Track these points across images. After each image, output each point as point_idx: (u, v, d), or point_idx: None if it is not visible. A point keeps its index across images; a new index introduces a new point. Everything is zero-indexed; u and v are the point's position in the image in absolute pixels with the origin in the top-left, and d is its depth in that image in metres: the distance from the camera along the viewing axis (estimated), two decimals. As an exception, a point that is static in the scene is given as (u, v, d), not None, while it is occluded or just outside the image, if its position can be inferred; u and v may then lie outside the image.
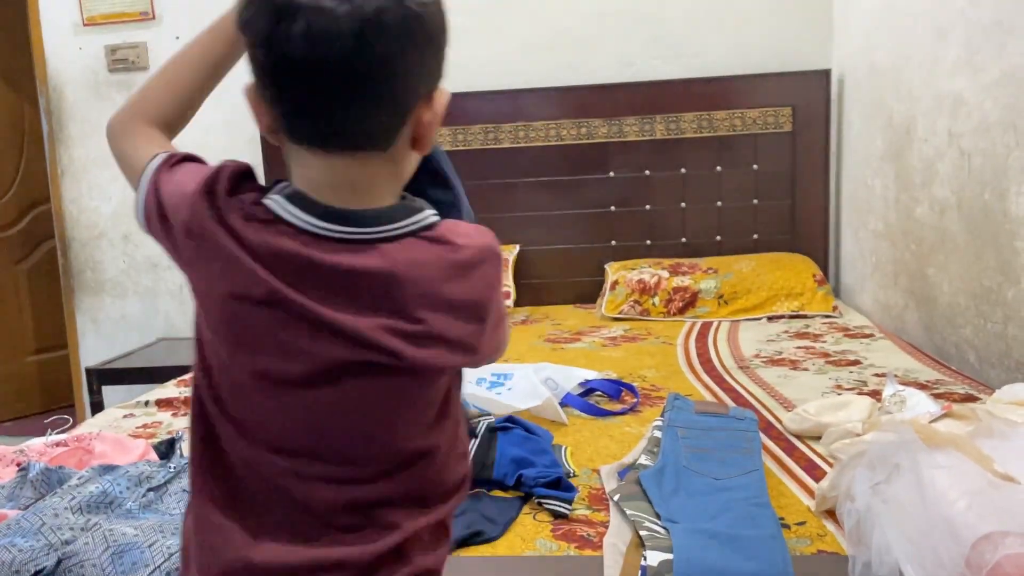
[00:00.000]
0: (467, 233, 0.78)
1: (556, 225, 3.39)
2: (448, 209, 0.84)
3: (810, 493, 1.37)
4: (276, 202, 0.73)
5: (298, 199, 0.73)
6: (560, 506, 1.34)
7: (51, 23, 3.55)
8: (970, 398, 1.82)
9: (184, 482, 1.41)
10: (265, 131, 0.76)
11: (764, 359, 2.35)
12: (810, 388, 2.01)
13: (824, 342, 2.53)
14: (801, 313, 2.90)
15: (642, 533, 1.22)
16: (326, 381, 0.74)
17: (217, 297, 0.74)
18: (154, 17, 3.49)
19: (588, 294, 3.35)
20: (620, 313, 3.04)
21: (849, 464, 1.25)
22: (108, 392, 3.11)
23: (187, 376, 2.30)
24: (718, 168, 3.29)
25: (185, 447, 1.38)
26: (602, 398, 1.99)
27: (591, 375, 2.05)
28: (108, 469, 1.46)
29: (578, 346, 2.64)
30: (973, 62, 2.13)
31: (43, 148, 3.65)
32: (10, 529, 1.27)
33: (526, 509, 1.37)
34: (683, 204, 3.33)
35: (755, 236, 3.32)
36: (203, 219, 0.73)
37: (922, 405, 1.49)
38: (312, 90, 0.70)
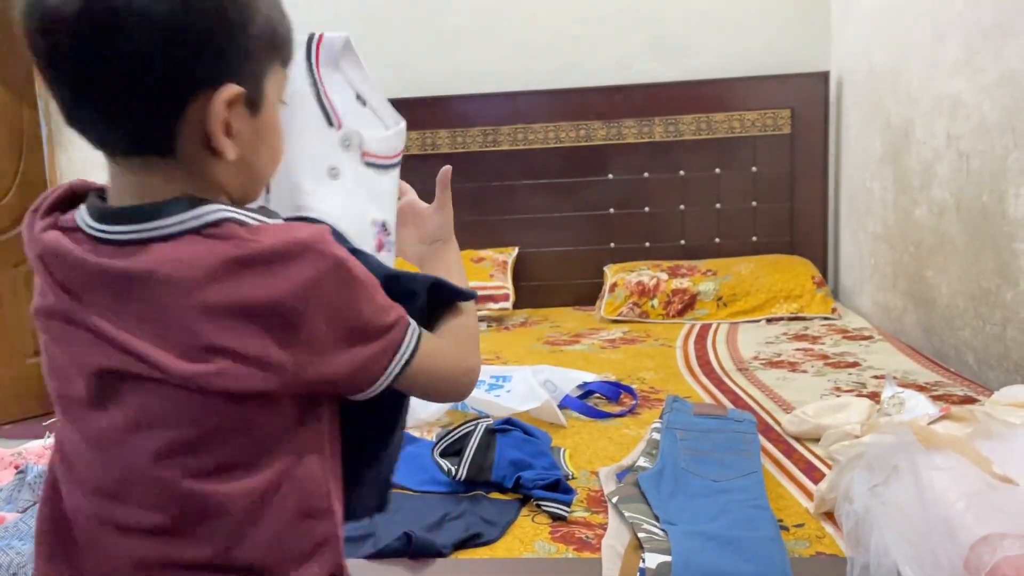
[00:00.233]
0: (269, 228, 0.70)
1: (555, 227, 3.39)
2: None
3: (809, 495, 1.37)
4: (79, 211, 0.70)
5: (94, 205, 0.69)
6: (559, 508, 1.34)
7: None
8: (969, 400, 1.82)
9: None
10: None
11: (763, 361, 2.35)
12: (809, 390, 2.01)
13: (823, 344, 2.53)
14: (800, 315, 2.90)
15: (640, 535, 1.22)
16: (109, 400, 0.68)
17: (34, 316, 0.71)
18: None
19: (587, 296, 3.35)
20: (619, 315, 3.04)
21: (848, 466, 1.25)
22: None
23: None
24: (717, 170, 3.30)
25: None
26: (601, 400, 1.99)
27: (590, 377, 2.05)
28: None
29: (577, 348, 2.64)
30: (972, 64, 2.13)
31: (42, 151, 3.64)
32: (8, 532, 1.27)
33: (524, 511, 1.37)
34: (682, 206, 3.33)
35: (754, 238, 3.32)
36: (26, 240, 0.71)
37: (921, 407, 1.49)
38: (61, 90, 0.67)
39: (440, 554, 1.22)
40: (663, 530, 1.23)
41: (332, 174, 0.91)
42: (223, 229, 0.68)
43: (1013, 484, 1.05)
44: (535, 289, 3.38)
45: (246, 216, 0.70)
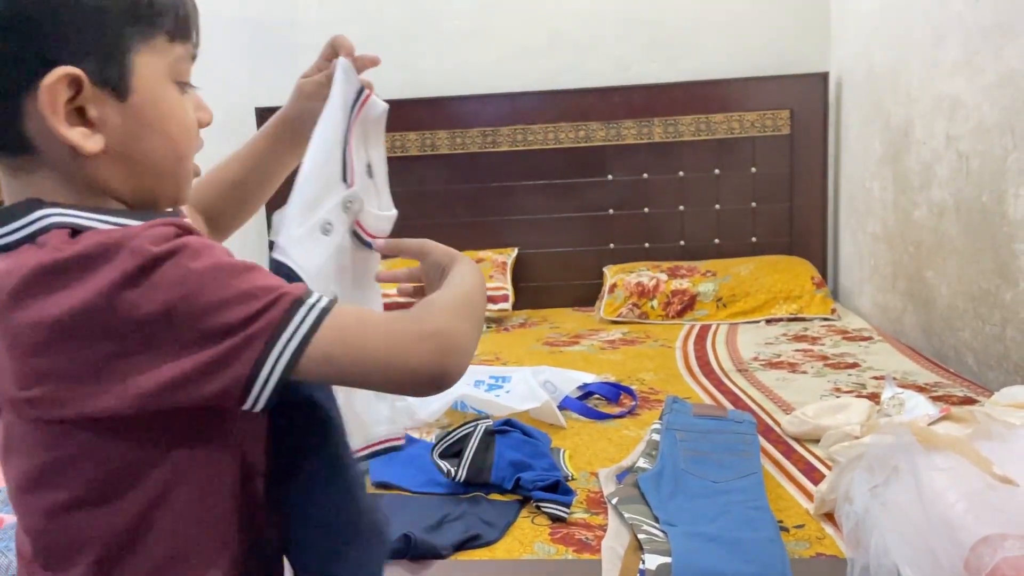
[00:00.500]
0: (100, 232, 0.62)
1: (554, 228, 3.39)
2: None
3: (809, 496, 1.37)
4: None
5: None
6: (558, 509, 1.34)
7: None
8: (968, 400, 1.82)
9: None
10: None
11: (762, 362, 2.35)
12: (808, 391, 2.01)
13: (822, 345, 2.53)
14: (799, 316, 2.90)
15: (640, 536, 1.22)
16: None
17: None
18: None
19: (586, 297, 3.34)
20: (619, 316, 3.04)
21: (848, 467, 1.25)
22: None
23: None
24: (716, 171, 3.30)
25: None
26: (600, 401, 1.99)
27: (589, 378, 2.05)
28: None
29: (576, 349, 2.64)
30: (971, 65, 2.13)
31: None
32: (6, 534, 1.27)
33: (524, 512, 1.37)
34: (681, 207, 3.33)
35: (753, 239, 3.32)
36: None
37: (921, 407, 1.49)
38: None
39: (439, 555, 1.22)
40: (663, 531, 1.23)
41: (325, 230, 0.84)
42: (49, 236, 0.62)
43: (1013, 485, 1.05)
44: (534, 290, 3.38)
45: (91, 220, 0.63)
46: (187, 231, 0.64)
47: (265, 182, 1.00)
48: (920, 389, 1.89)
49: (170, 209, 0.74)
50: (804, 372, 2.22)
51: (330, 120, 0.86)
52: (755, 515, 1.28)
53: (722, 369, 2.29)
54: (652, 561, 1.15)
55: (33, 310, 0.59)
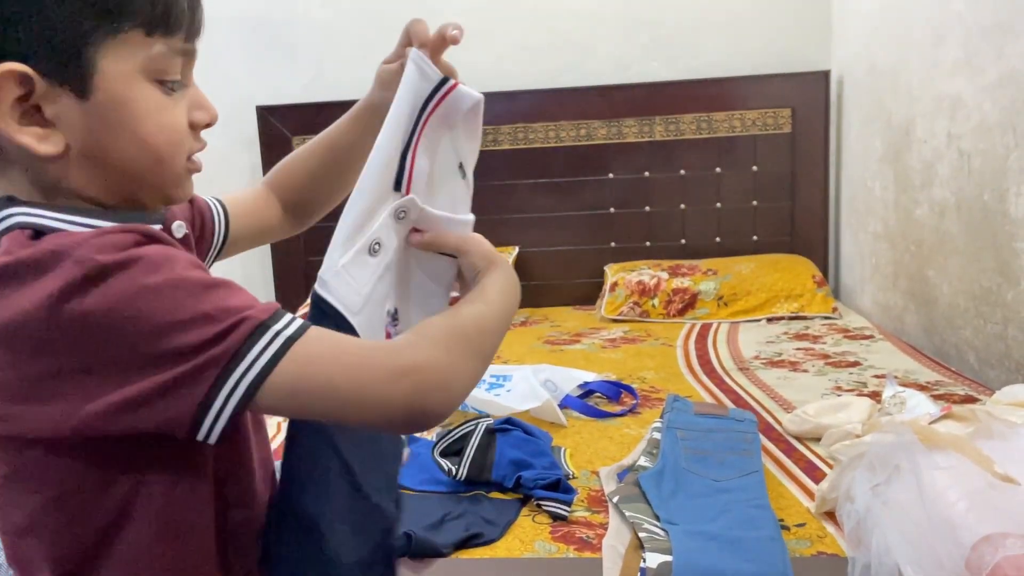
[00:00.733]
0: (58, 236, 0.59)
1: (555, 227, 3.38)
2: None
3: (810, 495, 1.37)
4: None
5: None
6: (559, 508, 1.34)
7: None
8: (970, 399, 1.81)
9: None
10: None
11: (764, 361, 2.35)
12: (810, 389, 2.01)
13: (824, 343, 2.53)
14: (801, 315, 2.90)
15: (641, 535, 1.22)
16: None
17: None
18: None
19: (587, 296, 3.34)
20: (619, 315, 3.04)
21: (849, 465, 1.25)
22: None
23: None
24: (717, 169, 3.29)
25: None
26: (601, 400, 1.99)
27: (590, 377, 2.05)
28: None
29: (577, 348, 2.64)
30: (972, 64, 2.13)
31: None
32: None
33: (525, 511, 1.36)
34: (683, 206, 3.33)
35: (754, 237, 3.32)
36: None
37: (922, 406, 1.49)
38: None
39: (440, 554, 1.22)
40: (664, 530, 1.23)
41: (372, 250, 0.76)
42: (9, 237, 0.59)
43: (1014, 483, 1.05)
44: (535, 289, 3.38)
45: (59, 221, 0.60)
46: (152, 239, 0.60)
47: (344, 172, 0.93)
48: (921, 388, 1.88)
49: (163, 209, 0.71)
50: (805, 371, 2.22)
51: (392, 123, 0.77)
52: (756, 514, 1.28)
53: (723, 368, 2.29)
54: (653, 560, 1.14)
55: None
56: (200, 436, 0.57)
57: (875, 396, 1.79)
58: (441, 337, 0.65)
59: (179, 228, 0.70)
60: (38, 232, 0.60)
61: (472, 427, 1.52)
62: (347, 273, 0.74)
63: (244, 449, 0.71)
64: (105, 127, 0.60)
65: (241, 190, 0.96)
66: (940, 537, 1.01)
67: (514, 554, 1.24)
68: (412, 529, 1.23)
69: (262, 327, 0.57)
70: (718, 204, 3.32)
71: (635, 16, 3.33)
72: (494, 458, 1.45)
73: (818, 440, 1.60)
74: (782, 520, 1.28)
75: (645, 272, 3.13)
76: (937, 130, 2.34)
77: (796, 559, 1.16)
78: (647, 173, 3.32)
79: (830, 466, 1.46)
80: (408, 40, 0.82)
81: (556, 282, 3.41)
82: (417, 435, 1.70)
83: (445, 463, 1.47)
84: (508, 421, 1.57)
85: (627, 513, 1.29)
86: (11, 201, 0.61)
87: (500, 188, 3.36)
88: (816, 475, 1.45)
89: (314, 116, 3.35)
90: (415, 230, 0.81)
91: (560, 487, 1.39)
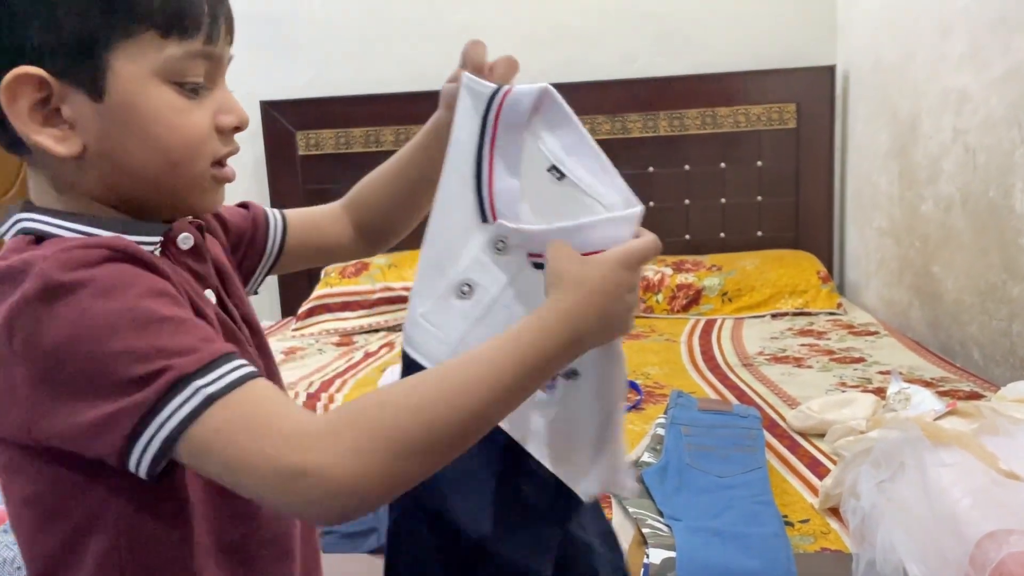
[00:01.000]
0: (50, 243, 0.59)
1: (559, 222, 3.37)
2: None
3: (814, 491, 1.37)
4: None
5: None
6: (563, 504, 1.34)
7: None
8: (975, 395, 1.81)
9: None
10: None
11: (768, 356, 2.35)
12: (814, 385, 2.00)
13: (828, 339, 2.52)
14: (805, 310, 2.89)
15: (645, 531, 1.22)
16: None
17: None
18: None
19: (591, 291, 3.34)
20: (623, 310, 3.03)
21: (853, 462, 1.25)
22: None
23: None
24: (722, 165, 3.29)
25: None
26: (605, 395, 1.98)
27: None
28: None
29: (581, 343, 2.63)
30: (978, 58, 2.12)
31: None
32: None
33: (529, 507, 1.36)
34: (687, 201, 3.32)
35: (759, 233, 3.31)
36: None
37: (927, 402, 1.48)
38: None
39: (444, 549, 1.22)
40: (667, 526, 1.23)
41: (461, 292, 0.70)
42: (10, 242, 0.60)
43: (1019, 480, 1.05)
44: (539, 284, 3.37)
45: (58, 228, 0.60)
46: (124, 256, 0.58)
47: (414, 197, 0.89)
48: (926, 384, 1.88)
49: (190, 218, 0.70)
50: (809, 367, 2.21)
51: (454, 156, 0.71)
52: (760, 510, 1.28)
53: (727, 364, 2.28)
54: (656, 555, 1.14)
55: None
56: (132, 470, 0.56)
57: (880, 392, 1.78)
58: (383, 427, 0.54)
59: (185, 240, 0.68)
60: (40, 238, 0.60)
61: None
62: (427, 322, 0.69)
63: None
64: (119, 129, 0.60)
65: (315, 207, 0.94)
66: (945, 533, 1.00)
67: (517, 550, 1.24)
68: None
69: (183, 380, 0.54)
70: (722, 199, 3.31)
71: (640, 10, 3.33)
72: (498, 454, 1.45)
73: (822, 436, 1.60)
74: (786, 516, 1.28)
75: (649, 267, 3.12)
76: (943, 125, 2.33)
77: (800, 555, 1.16)
78: (651, 168, 3.31)
79: (834, 462, 1.45)
80: (463, 62, 0.77)
81: (560, 277, 3.40)
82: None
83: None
84: (512, 417, 1.56)
85: (630, 509, 1.29)
86: (26, 206, 0.62)
87: (504, 183, 3.35)
88: (820, 471, 1.45)
89: (318, 111, 3.37)
90: (533, 255, 0.70)
91: (564, 483, 1.38)
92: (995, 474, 1.06)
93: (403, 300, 2.87)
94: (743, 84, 3.24)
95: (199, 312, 0.63)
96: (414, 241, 0.78)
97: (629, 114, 3.29)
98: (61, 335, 0.54)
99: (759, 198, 3.29)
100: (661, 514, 1.27)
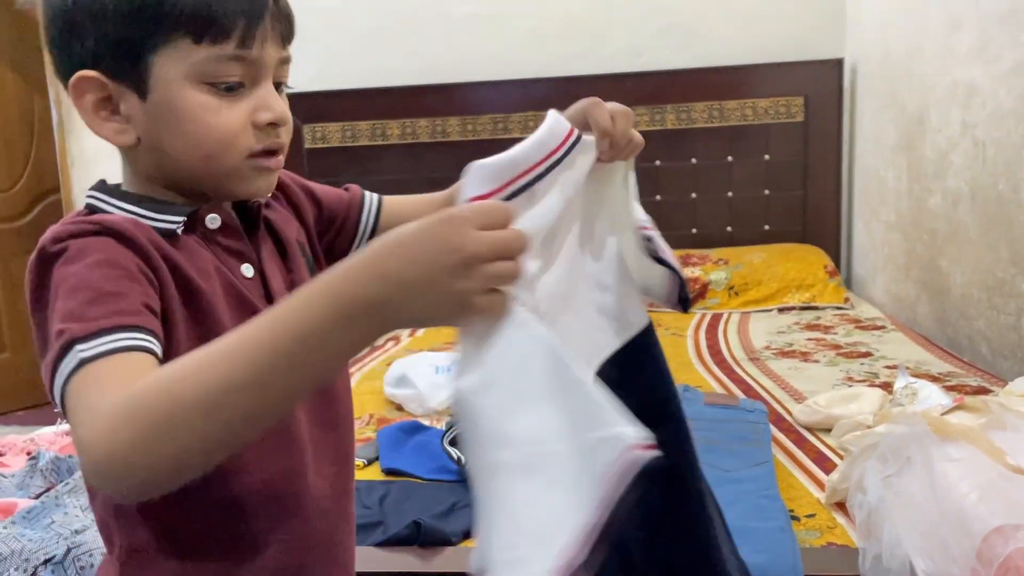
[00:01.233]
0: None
1: (566, 216, 3.37)
2: None
3: (820, 485, 1.37)
4: None
5: None
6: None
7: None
8: (982, 390, 1.80)
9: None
10: None
11: (774, 351, 2.34)
12: (821, 380, 2.00)
13: (835, 334, 2.52)
14: (812, 305, 2.89)
15: (650, 525, 1.22)
16: None
17: None
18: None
19: (598, 285, 3.33)
20: (630, 304, 3.03)
21: (860, 456, 1.25)
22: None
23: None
24: (729, 158, 3.28)
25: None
26: (611, 389, 1.98)
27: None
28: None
29: (587, 337, 2.63)
30: (987, 51, 2.11)
31: (53, 138, 3.65)
32: (20, 520, 1.28)
33: (534, 500, 1.36)
34: (693, 195, 3.32)
35: (766, 227, 3.30)
36: None
37: (934, 397, 1.48)
38: None
39: (449, 542, 1.23)
40: (673, 520, 1.23)
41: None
42: (72, 213, 0.71)
43: (1027, 475, 1.04)
44: (545, 278, 3.37)
45: (107, 204, 0.70)
46: (106, 231, 0.65)
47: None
48: (933, 379, 1.87)
49: (240, 201, 0.77)
50: (816, 361, 2.21)
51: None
52: (766, 504, 1.28)
53: (734, 358, 2.28)
54: (662, 549, 1.14)
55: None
56: None
57: (886, 387, 1.78)
58: (116, 408, 0.53)
59: (212, 220, 0.74)
60: (93, 211, 0.70)
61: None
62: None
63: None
64: (161, 124, 0.69)
65: (419, 195, 0.96)
66: (951, 528, 1.00)
67: (523, 543, 1.24)
68: (421, 517, 1.23)
69: (72, 343, 0.58)
70: (729, 193, 3.30)
71: (647, 3, 3.32)
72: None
73: (829, 431, 1.60)
74: (792, 510, 1.28)
75: (656, 261, 3.11)
76: (951, 119, 2.32)
77: (806, 549, 1.16)
78: (658, 162, 3.30)
79: (841, 457, 1.45)
80: (580, 120, 0.75)
81: (566, 271, 3.40)
82: (426, 424, 1.70)
83: (455, 452, 1.47)
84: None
85: (636, 503, 1.28)
86: (97, 185, 0.72)
87: (510, 177, 3.35)
88: (827, 466, 1.44)
89: (324, 104, 3.37)
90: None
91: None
92: (1002, 469, 1.05)
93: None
94: (750, 77, 3.23)
95: (191, 286, 0.68)
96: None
97: (636, 107, 3.24)
98: (43, 293, 0.64)
99: (766, 192, 3.28)
100: (667, 508, 1.26)
